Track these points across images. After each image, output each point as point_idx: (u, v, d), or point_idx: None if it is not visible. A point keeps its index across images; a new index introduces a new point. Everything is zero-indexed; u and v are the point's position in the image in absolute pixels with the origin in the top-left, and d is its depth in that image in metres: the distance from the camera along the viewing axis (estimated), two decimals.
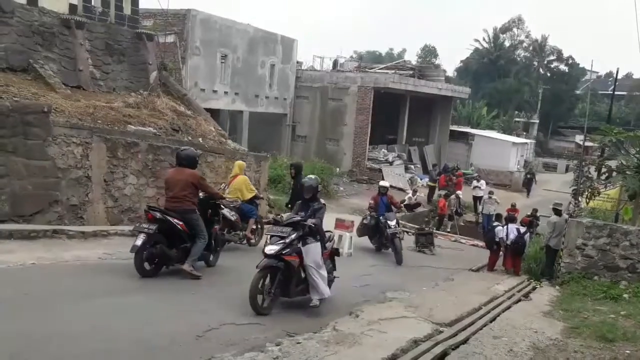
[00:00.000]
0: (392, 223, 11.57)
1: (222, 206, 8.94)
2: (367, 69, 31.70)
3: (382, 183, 12.86)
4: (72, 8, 13.33)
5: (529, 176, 30.88)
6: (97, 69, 13.76)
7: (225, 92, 23.35)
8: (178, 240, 7.36)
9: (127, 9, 15.06)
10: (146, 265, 7.16)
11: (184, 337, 5.17)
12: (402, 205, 12.51)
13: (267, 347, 5.07)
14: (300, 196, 9.86)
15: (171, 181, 7.50)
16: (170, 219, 7.27)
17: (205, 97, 21.76)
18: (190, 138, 12.70)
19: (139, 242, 6.95)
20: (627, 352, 5.84)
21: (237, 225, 9.75)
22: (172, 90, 16.08)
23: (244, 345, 5.11)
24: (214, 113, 20.28)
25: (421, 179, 27.20)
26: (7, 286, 6.14)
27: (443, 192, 20.87)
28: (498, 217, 13.89)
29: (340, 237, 11.42)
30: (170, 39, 19.98)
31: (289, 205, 10.05)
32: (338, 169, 25.47)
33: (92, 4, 13.98)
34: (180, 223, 7.34)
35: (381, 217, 11.86)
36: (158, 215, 7.19)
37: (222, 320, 5.68)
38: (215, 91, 22.70)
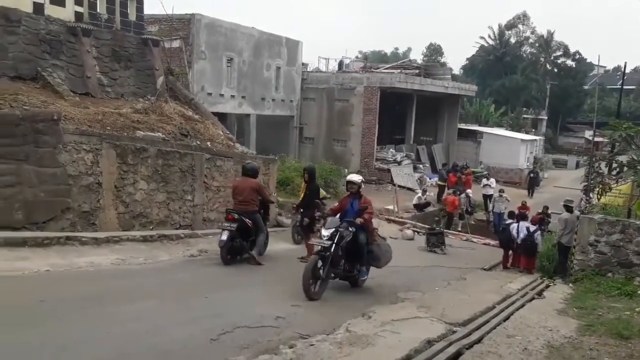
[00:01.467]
0: (326, 233, 7.62)
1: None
2: (372, 69, 31.57)
3: (350, 177, 8.64)
4: (78, 16, 13.40)
5: (532, 175, 30.05)
6: (105, 76, 13.82)
7: (232, 96, 23.39)
8: (247, 234, 9.12)
9: (132, 15, 15.12)
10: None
11: (198, 341, 5.18)
12: (370, 204, 8.26)
13: (281, 350, 5.08)
14: (312, 199, 10.00)
15: (239, 188, 9.28)
16: (243, 218, 8.98)
17: (213, 101, 21.82)
18: (198, 142, 12.72)
19: (224, 237, 8.67)
20: None
21: None
22: (180, 95, 16.13)
23: (257, 348, 5.12)
24: (222, 117, 20.27)
25: (430, 178, 27.10)
26: (22, 293, 6.20)
27: (452, 191, 20.78)
28: (511, 214, 13.82)
29: None
30: (176, 44, 20.04)
31: (301, 210, 10.27)
32: (346, 170, 25.37)
33: (98, 11, 14.03)
34: (249, 221, 9.07)
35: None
36: (236, 216, 8.93)
37: (236, 324, 5.69)
38: (222, 95, 22.73)
